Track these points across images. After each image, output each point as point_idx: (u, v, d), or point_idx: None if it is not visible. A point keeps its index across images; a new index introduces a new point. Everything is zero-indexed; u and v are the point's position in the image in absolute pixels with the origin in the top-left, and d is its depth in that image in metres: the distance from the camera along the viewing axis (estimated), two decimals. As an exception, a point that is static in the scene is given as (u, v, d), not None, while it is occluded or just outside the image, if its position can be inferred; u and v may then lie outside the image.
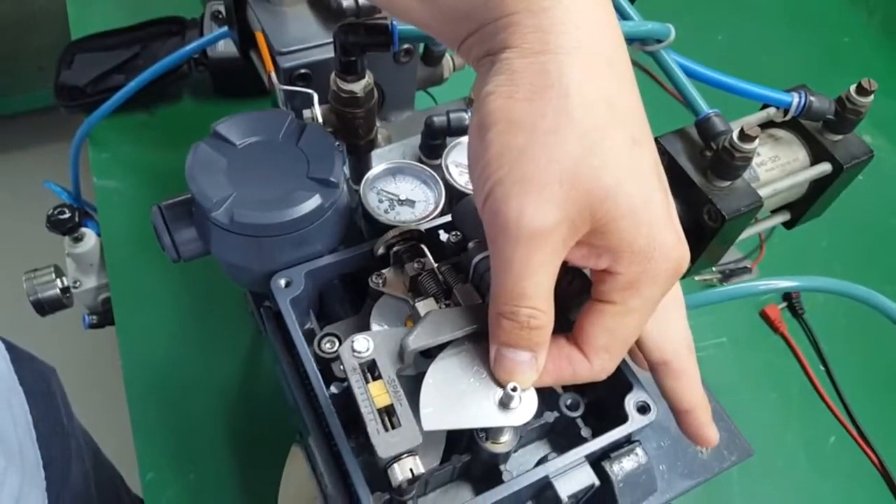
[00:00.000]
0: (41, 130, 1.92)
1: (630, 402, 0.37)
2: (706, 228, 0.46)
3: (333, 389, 0.38)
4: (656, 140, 0.44)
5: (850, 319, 0.74)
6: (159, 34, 0.85)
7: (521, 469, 0.37)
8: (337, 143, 0.43)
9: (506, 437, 0.36)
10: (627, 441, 0.38)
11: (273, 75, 0.54)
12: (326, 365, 0.39)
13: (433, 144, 0.53)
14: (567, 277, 0.37)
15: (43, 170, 1.19)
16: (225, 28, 0.66)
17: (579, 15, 0.30)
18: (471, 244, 0.40)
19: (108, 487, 0.71)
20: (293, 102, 0.53)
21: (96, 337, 0.96)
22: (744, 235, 0.50)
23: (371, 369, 0.33)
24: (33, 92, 1.94)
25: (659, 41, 0.46)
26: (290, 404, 0.43)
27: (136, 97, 0.76)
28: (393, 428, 0.31)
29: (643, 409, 0.37)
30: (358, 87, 0.45)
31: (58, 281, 0.77)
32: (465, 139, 0.52)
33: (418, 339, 0.33)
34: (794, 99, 0.48)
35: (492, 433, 0.36)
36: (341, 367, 0.33)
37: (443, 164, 0.51)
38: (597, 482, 0.37)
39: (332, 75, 0.45)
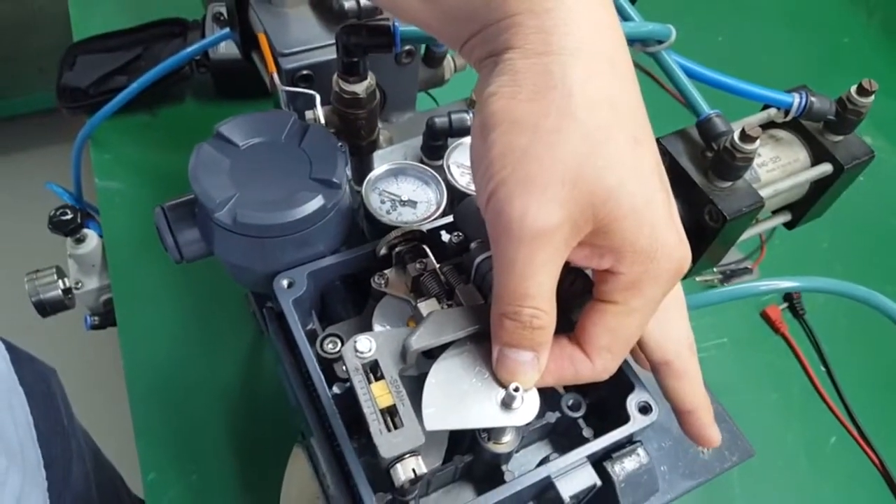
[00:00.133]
0: (43, 132, 1.93)
1: (632, 402, 0.37)
2: (707, 229, 0.46)
3: (336, 390, 0.38)
4: (658, 141, 0.44)
5: (850, 320, 0.74)
6: (161, 36, 0.86)
7: (523, 469, 0.37)
8: (339, 144, 0.43)
9: (508, 438, 0.36)
10: (629, 441, 0.38)
11: (275, 76, 0.54)
12: (329, 365, 0.39)
13: (435, 145, 0.54)
14: (569, 278, 0.37)
15: (45, 171, 1.20)
16: (227, 30, 0.66)
17: (581, 16, 0.30)
18: (473, 244, 0.40)
19: (108, 489, 0.71)
20: (295, 104, 0.53)
21: (98, 338, 0.96)
22: (745, 236, 0.50)
23: (373, 369, 0.33)
24: (34, 94, 1.95)
25: (660, 42, 0.46)
26: (293, 405, 0.43)
27: (139, 98, 0.76)
28: (395, 428, 0.31)
29: (645, 409, 0.37)
30: (360, 89, 0.45)
31: (60, 282, 0.78)
32: (466, 140, 0.53)
33: (421, 340, 0.34)
34: (795, 99, 0.48)
35: (494, 433, 0.36)
36: (344, 367, 0.33)
37: (444, 165, 0.51)
38: (598, 482, 0.37)
39: (335, 76, 0.45)
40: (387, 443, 0.31)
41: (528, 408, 0.33)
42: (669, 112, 0.57)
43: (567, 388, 0.41)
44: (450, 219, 0.44)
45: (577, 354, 0.32)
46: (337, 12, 0.55)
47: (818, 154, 0.50)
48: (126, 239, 0.74)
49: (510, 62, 0.30)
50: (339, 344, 0.39)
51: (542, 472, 0.35)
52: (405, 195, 0.50)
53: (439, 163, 0.53)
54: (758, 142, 0.43)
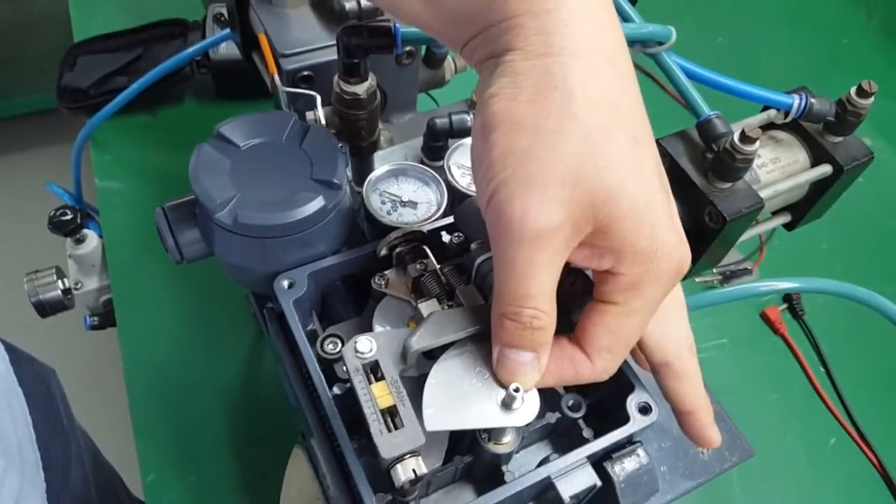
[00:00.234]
0: (43, 132, 1.93)
1: (632, 402, 0.37)
2: (707, 230, 0.46)
3: (336, 390, 0.38)
4: (658, 142, 0.44)
5: (850, 321, 0.74)
6: (162, 36, 0.86)
7: (523, 470, 0.37)
8: (340, 144, 0.43)
9: (508, 438, 0.36)
10: (629, 442, 0.38)
11: (276, 77, 0.54)
12: (329, 366, 0.39)
13: (435, 146, 0.54)
14: (569, 278, 0.37)
15: (45, 172, 1.20)
16: (227, 30, 0.66)
17: (581, 17, 0.30)
18: (474, 245, 0.40)
19: (108, 490, 0.71)
20: (296, 104, 0.53)
21: (97, 338, 0.96)
22: (744, 237, 0.50)
23: (374, 370, 0.33)
24: (34, 94, 1.95)
25: (660, 43, 0.47)
26: (293, 405, 0.43)
27: (139, 99, 0.76)
28: (396, 429, 0.31)
29: (645, 409, 0.37)
30: (361, 90, 0.45)
31: (59, 282, 0.78)
32: (467, 141, 0.53)
33: (421, 340, 0.34)
34: (795, 101, 0.48)
35: (494, 434, 0.36)
36: (344, 367, 0.33)
37: (445, 166, 0.51)
38: (599, 483, 0.37)
39: (336, 77, 0.45)
40: (387, 443, 0.31)
41: (528, 408, 0.33)
42: (669, 113, 0.57)
43: (567, 389, 0.41)
44: (450, 220, 0.44)
45: (578, 355, 0.32)
46: (338, 13, 0.55)
47: (818, 155, 0.50)
48: (126, 239, 0.74)
49: (511, 63, 0.30)
50: (340, 344, 0.39)
51: (543, 473, 0.35)
52: (406, 196, 0.50)
53: (440, 164, 0.53)
54: (758, 143, 0.43)
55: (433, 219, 0.48)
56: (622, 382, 0.38)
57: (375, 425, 0.31)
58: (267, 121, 0.43)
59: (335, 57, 0.45)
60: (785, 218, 0.55)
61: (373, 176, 0.50)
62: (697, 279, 0.74)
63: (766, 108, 0.50)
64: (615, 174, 0.29)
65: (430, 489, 0.38)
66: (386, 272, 0.41)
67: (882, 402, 0.69)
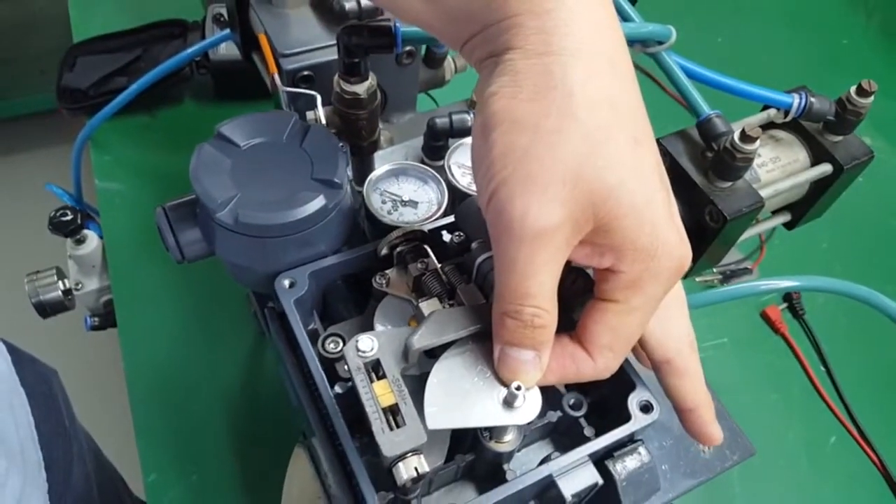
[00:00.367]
0: (43, 133, 1.93)
1: (633, 401, 0.37)
2: (708, 229, 0.46)
3: (338, 389, 0.38)
4: (658, 141, 0.44)
5: (850, 320, 0.74)
6: (161, 37, 0.86)
7: (525, 468, 0.37)
8: (341, 144, 0.43)
9: (509, 437, 0.36)
10: (630, 440, 0.38)
11: (276, 77, 0.55)
12: (330, 365, 0.39)
13: (436, 146, 0.54)
14: (570, 277, 0.37)
15: (44, 172, 1.20)
16: (227, 31, 0.67)
17: (581, 16, 0.30)
18: (474, 244, 0.40)
19: (109, 490, 0.71)
20: (296, 104, 0.53)
21: (98, 339, 0.96)
22: (744, 236, 0.50)
23: (375, 369, 0.33)
24: (34, 95, 1.95)
25: (660, 43, 0.47)
26: (294, 405, 0.43)
27: (138, 100, 0.76)
28: (397, 427, 0.31)
29: (646, 408, 0.37)
30: (361, 89, 0.45)
31: (60, 283, 0.78)
32: (467, 140, 0.53)
33: (422, 339, 0.34)
34: (795, 100, 0.48)
35: (496, 432, 0.36)
36: (345, 366, 0.34)
37: (445, 166, 0.52)
38: (600, 481, 0.37)
39: (336, 77, 0.45)
40: (389, 441, 0.31)
41: (529, 407, 0.33)
42: (668, 113, 0.57)
43: (568, 388, 0.41)
44: (451, 219, 0.44)
45: (579, 353, 0.32)
46: (337, 13, 0.55)
47: (818, 154, 0.50)
48: (126, 240, 0.74)
49: (511, 62, 0.30)
50: (341, 344, 0.39)
51: (544, 471, 0.35)
52: (406, 195, 0.50)
53: (440, 163, 0.53)
54: (758, 142, 0.43)
55: (434, 218, 0.48)
56: (623, 381, 0.38)
57: (377, 423, 0.31)
58: (267, 120, 0.44)
59: (335, 57, 0.45)
60: (785, 217, 0.55)
61: (373, 175, 0.50)
62: (697, 279, 0.74)
63: (765, 108, 0.50)
64: (615, 173, 0.29)
65: (431, 488, 0.38)
66: (387, 271, 0.41)
67: (882, 400, 0.69)
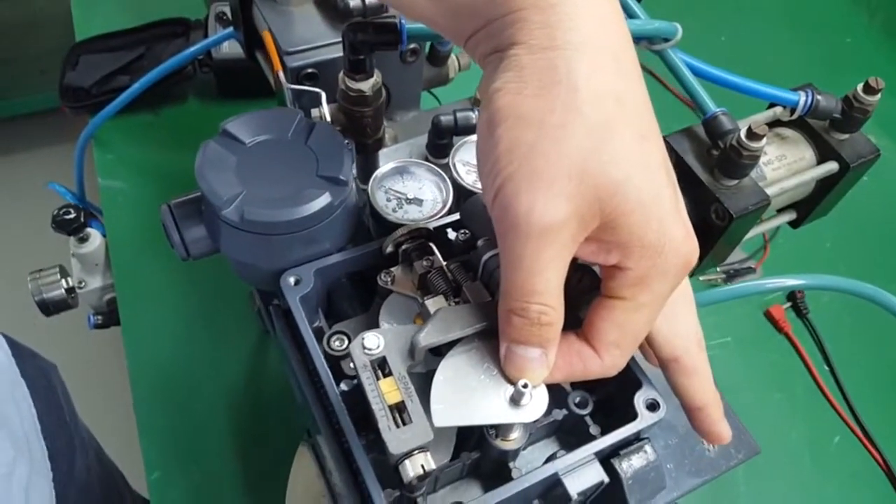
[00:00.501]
0: (45, 132, 1.93)
1: (639, 399, 0.37)
2: (714, 227, 0.46)
3: (343, 387, 0.38)
4: (664, 139, 0.44)
5: (854, 319, 0.74)
6: (164, 35, 0.86)
7: (530, 466, 0.37)
8: (346, 141, 0.43)
9: (515, 434, 0.36)
10: (636, 438, 0.38)
11: (281, 75, 0.54)
12: (336, 363, 0.39)
13: (440, 143, 0.53)
14: (576, 275, 0.37)
15: (47, 171, 1.20)
16: (230, 29, 0.66)
17: (586, 11, 0.30)
18: (480, 242, 0.40)
19: (110, 482, 0.71)
20: (301, 102, 0.53)
21: (101, 337, 0.96)
22: (749, 235, 0.50)
23: (381, 366, 0.33)
24: (36, 94, 1.95)
25: (666, 40, 0.46)
26: (300, 402, 0.43)
27: (141, 98, 0.76)
28: (404, 424, 0.31)
29: (652, 406, 0.37)
30: (366, 86, 0.45)
31: (63, 281, 0.78)
32: (472, 138, 0.53)
33: (429, 336, 0.34)
34: (801, 98, 0.48)
35: (502, 430, 0.36)
36: (351, 364, 0.33)
37: (450, 163, 0.51)
38: (606, 479, 0.37)
39: (341, 74, 0.45)
40: (395, 439, 0.31)
41: (536, 404, 0.33)
42: (673, 112, 0.57)
43: (574, 386, 0.40)
44: (456, 216, 0.44)
45: (586, 350, 0.32)
46: (342, 10, 0.55)
47: (824, 152, 0.50)
48: (129, 238, 0.74)
49: (515, 58, 0.30)
50: (346, 341, 0.39)
51: (550, 469, 0.35)
52: (411, 193, 0.50)
53: (445, 161, 0.53)
54: (764, 139, 0.43)
55: (439, 216, 0.48)
56: (629, 379, 0.38)
57: (384, 421, 0.31)
58: (273, 118, 0.43)
59: (340, 54, 0.45)
60: (790, 215, 0.55)
61: (378, 173, 0.50)
62: (701, 277, 0.74)
63: (771, 106, 0.50)
64: (621, 169, 0.29)
65: (437, 485, 0.38)
66: (392, 269, 0.41)
67: (886, 400, 0.69)
